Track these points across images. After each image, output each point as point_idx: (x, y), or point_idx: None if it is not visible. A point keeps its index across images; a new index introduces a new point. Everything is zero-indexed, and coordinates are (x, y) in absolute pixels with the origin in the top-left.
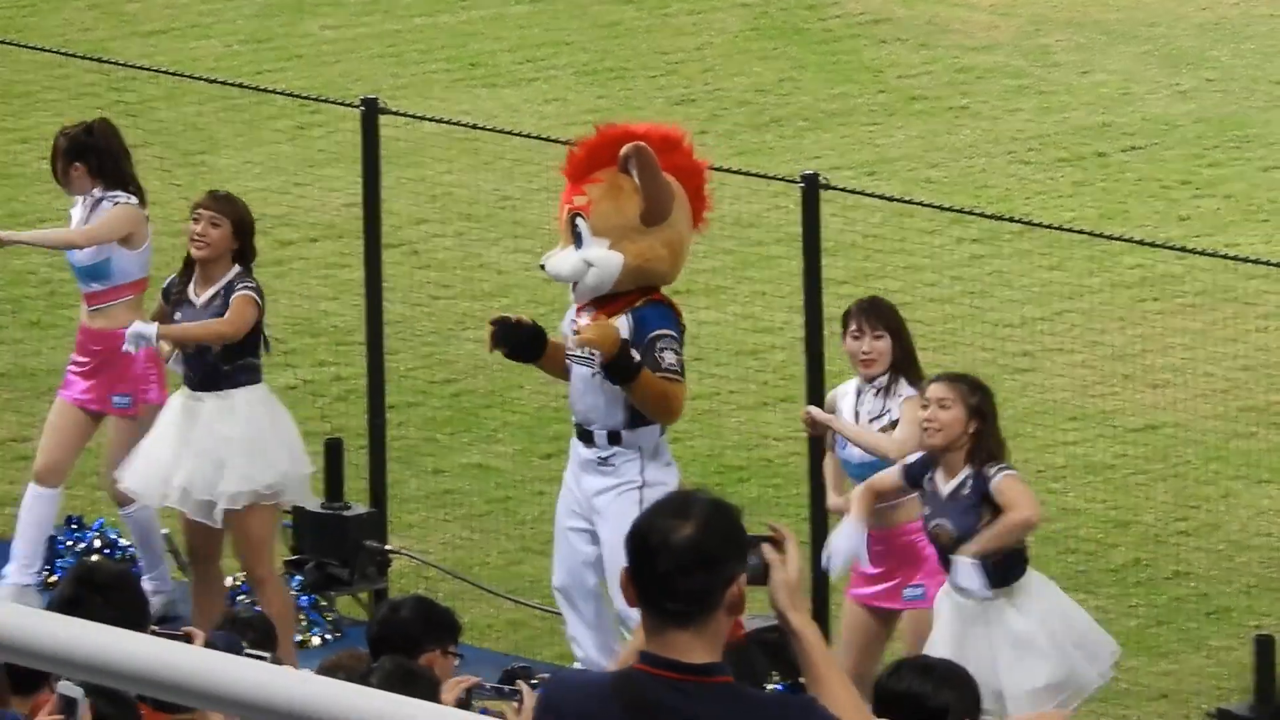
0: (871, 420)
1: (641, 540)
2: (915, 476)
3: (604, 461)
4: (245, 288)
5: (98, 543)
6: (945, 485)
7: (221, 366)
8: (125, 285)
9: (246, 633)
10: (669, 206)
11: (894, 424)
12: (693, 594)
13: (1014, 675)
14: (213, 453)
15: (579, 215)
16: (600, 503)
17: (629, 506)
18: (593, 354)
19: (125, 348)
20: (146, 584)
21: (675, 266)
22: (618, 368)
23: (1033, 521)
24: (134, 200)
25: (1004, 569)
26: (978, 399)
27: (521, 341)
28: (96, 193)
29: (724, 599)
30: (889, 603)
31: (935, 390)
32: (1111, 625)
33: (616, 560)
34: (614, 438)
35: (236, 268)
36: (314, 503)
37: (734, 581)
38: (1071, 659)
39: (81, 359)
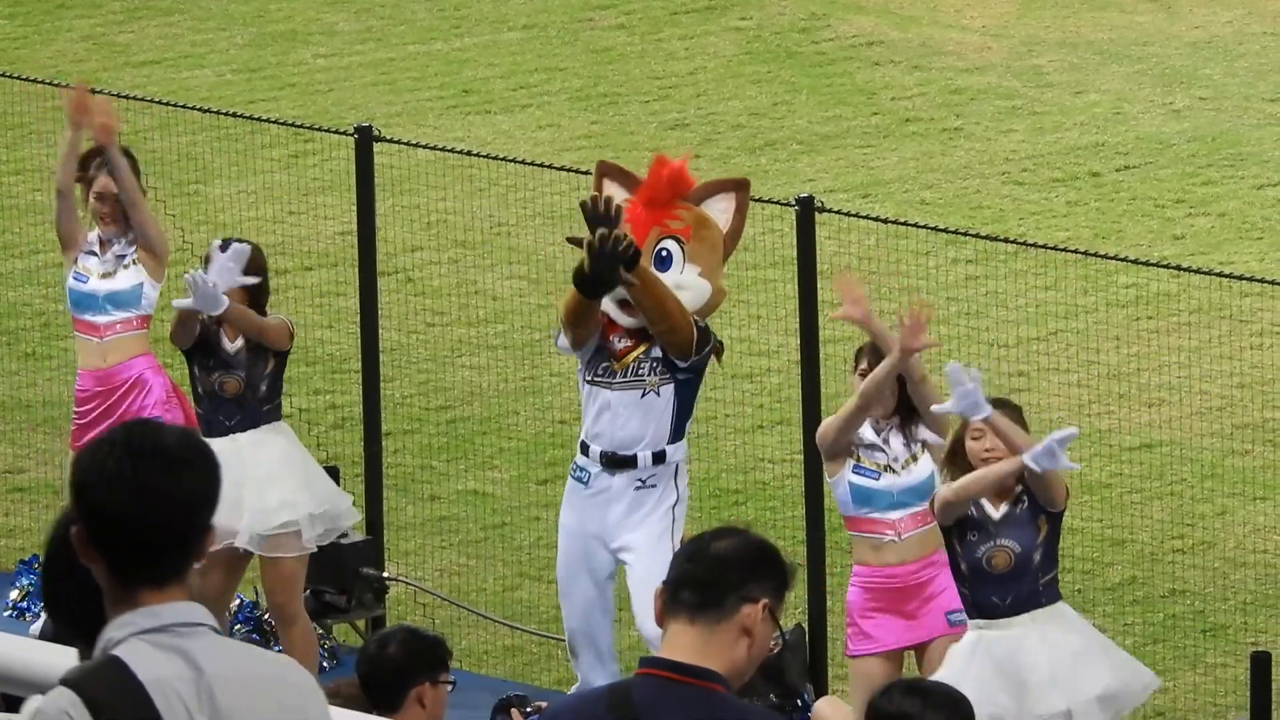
0: (905, 463)
1: (686, 548)
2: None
3: (644, 484)
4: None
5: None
6: (997, 510)
7: (262, 408)
8: (144, 317)
9: None
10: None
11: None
12: (704, 584)
13: (1079, 685)
14: (264, 484)
15: (674, 239)
16: (632, 538)
17: (662, 533)
18: (641, 374)
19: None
20: None
21: None
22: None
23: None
24: None
25: (1050, 590)
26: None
27: (613, 264)
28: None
29: (738, 613)
30: (930, 634)
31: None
32: None
33: (646, 592)
34: (659, 457)
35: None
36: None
37: (753, 602)
38: (1123, 670)
39: (84, 409)
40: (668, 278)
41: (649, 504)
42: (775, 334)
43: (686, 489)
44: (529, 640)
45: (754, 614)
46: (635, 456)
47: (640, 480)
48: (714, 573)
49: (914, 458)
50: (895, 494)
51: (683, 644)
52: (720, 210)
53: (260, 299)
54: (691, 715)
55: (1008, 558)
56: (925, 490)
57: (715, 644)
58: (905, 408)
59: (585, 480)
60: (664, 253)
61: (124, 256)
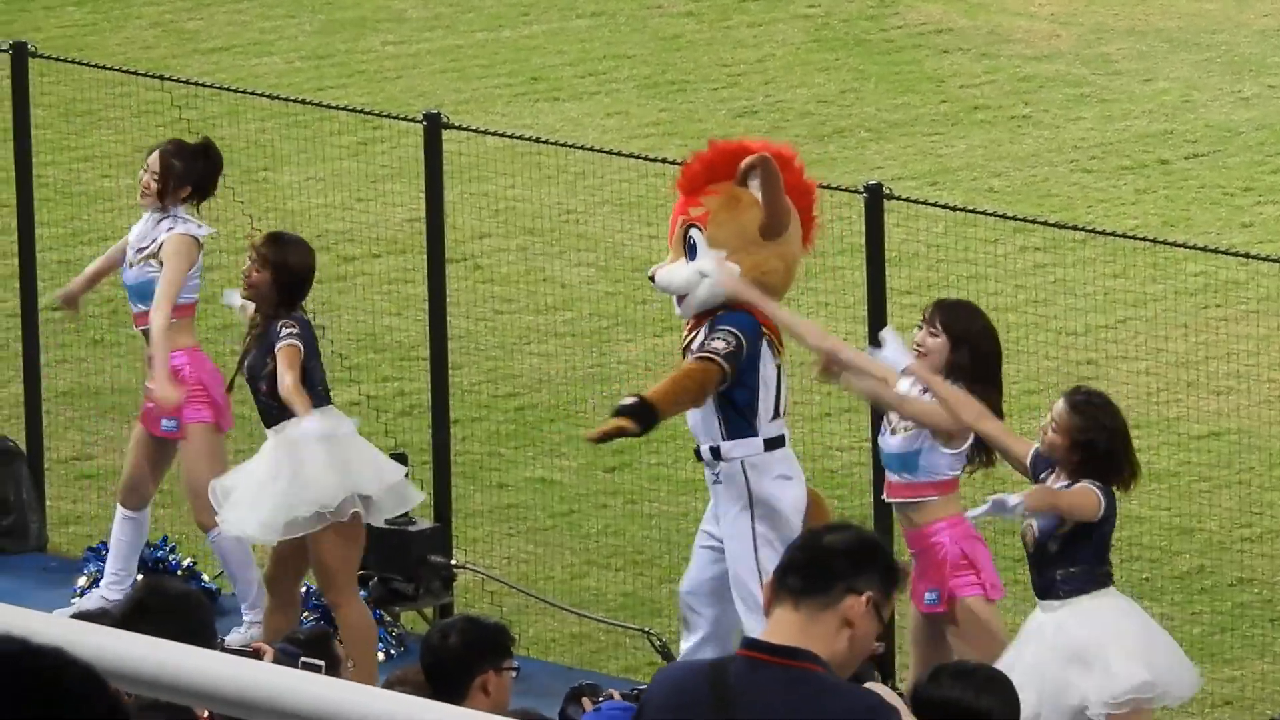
0: (894, 429)
1: (798, 539)
2: (1037, 466)
3: (716, 479)
4: (288, 334)
5: (179, 573)
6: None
7: (271, 404)
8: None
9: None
10: (788, 220)
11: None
12: (809, 570)
13: (1058, 694)
14: (267, 483)
15: (694, 226)
16: (725, 521)
17: (744, 529)
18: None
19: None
20: (246, 614)
21: (786, 282)
22: (640, 417)
23: (1059, 507)
24: (191, 228)
25: (1081, 580)
26: (1089, 436)
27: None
28: (169, 209)
29: (841, 602)
30: (916, 603)
31: (1056, 409)
32: (1175, 632)
33: (737, 576)
34: (715, 452)
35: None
36: (391, 515)
37: (858, 594)
38: (1122, 678)
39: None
40: (694, 265)
41: (723, 502)
42: (843, 321)
43: (774, 495)
44: (597, 628)
45: (857, 605)
46: (700, 450)
47: (714, 475)
48: (821, 560)
49: (906, 427)
50: (892, 454)
51: (784, 628)
52: (756, 188)
53: (283, 304)
54: (785, 694)
55: (1031, 537)
56: (896, 461)
57: (816, 630)
58: (950, 371)
59: None
60: (691, 240)
61: (144, 249)
